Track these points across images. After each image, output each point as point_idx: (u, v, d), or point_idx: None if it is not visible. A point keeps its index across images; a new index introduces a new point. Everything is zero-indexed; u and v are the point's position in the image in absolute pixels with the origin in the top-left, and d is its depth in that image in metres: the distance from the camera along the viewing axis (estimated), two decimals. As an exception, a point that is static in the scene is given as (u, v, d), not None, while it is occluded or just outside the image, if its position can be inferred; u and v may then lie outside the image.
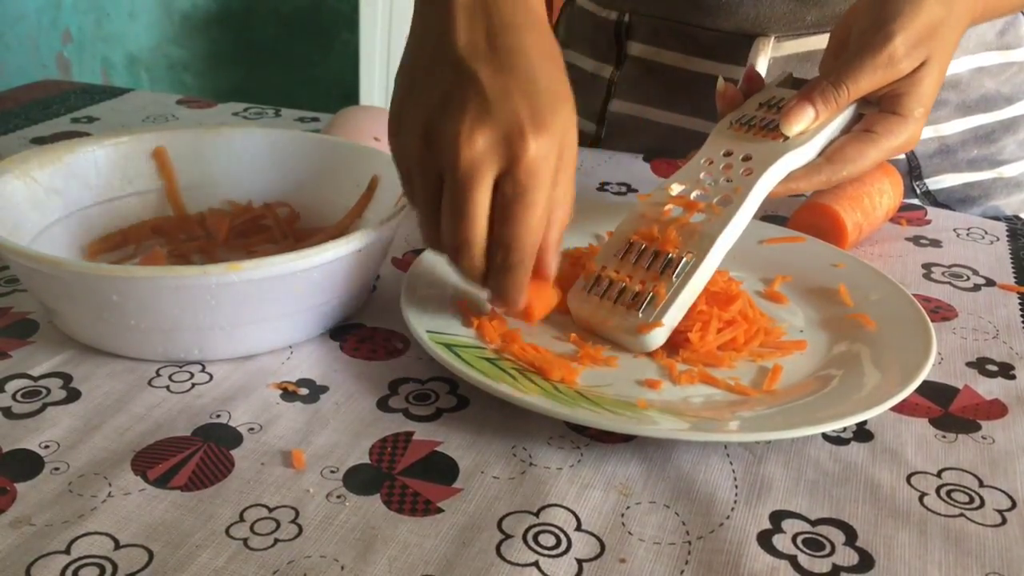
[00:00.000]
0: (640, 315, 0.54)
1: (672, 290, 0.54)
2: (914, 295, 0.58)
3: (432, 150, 0.48)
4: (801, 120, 0.59)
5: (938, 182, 0.85)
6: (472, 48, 0.48)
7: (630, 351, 0.54)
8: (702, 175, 0.59)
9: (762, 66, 0.80)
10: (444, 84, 0.48)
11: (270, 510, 0.42)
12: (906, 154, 0.83)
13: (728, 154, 0.60)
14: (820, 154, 0.61)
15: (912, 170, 0.84)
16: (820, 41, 0.79)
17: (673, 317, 0.54)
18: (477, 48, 0.48)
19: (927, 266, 0.68)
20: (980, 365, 0.56)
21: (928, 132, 0.83)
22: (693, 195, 0.58)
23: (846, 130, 0.62)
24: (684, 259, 0.54)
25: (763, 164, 0.58)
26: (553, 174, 0.48)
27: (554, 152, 0.48)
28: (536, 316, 0.55)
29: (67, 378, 0.51)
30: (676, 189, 0.59)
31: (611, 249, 0.58)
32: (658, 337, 0.53)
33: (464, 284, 0.58)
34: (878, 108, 0.61)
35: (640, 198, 0.60)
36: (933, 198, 0.85)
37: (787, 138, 0.59)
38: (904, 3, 0.59)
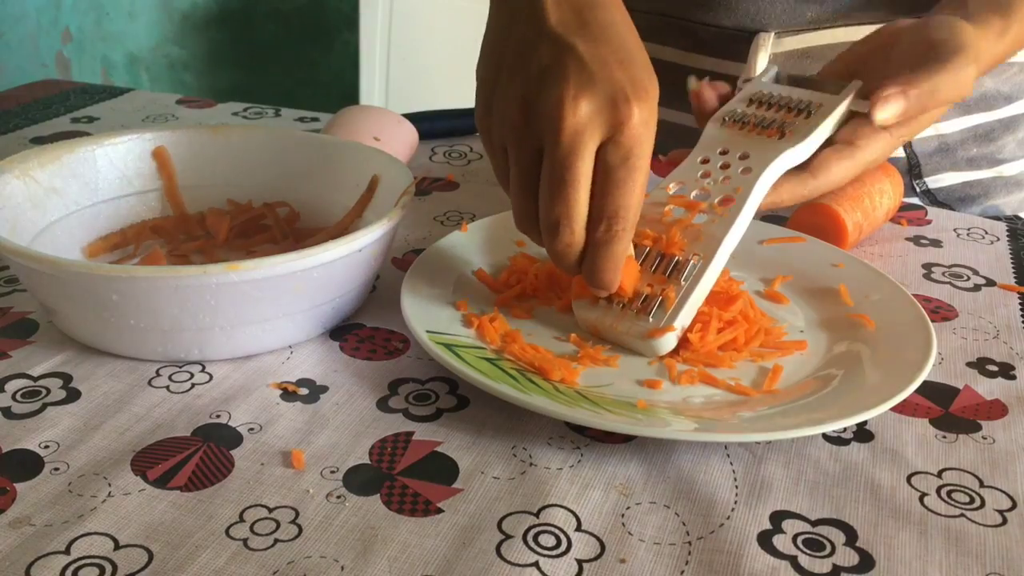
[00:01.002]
0: (651, 319, 0.53)
1: (681, 293, 0.53)
2: (914, 295, 0.58)
3: (532, 122, 0.49)
4: (893, 110, 0.58)
5: (938, 181, 0.85)
6: (565, 24, 0.49)
7: (641, 356, 0.54)
8: (699, 174, 0.59)
9: (762, 62, 0.80)
10: (542, 59, 0.49)
11: (270, 510, 0.42)
12: (906, 152, 0.83)
13: (724, 152, 0.60)
14: (805, 167, 0.60)
15: (911, 168, 0.84)
16: (819, 37, 0.79)
17: (684, 320, 0.53)
18: (569, 24, 0.49)
19: (927, 266, 0.68)
20: (980, 365, 0.56)
21: (928, 131, 0.83)
22: (692, 195, 0.58)
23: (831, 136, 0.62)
24: (692, 261, 0.54)
25: (762, 163, 0.58)
26: (652, 142, 0.49)
27: (654, 119, 0.49)
28: (627, 292, 0.54)
29: (67, 378, 0.51)
30: (675, 188, 0.59)
31: None
32: (669, 341, 0.53)
33: (466, 282, 0.58)
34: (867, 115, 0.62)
35: None
36: (933, 197, 0.85)
37: (783, 135, 0.59)
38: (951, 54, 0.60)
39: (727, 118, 0.62)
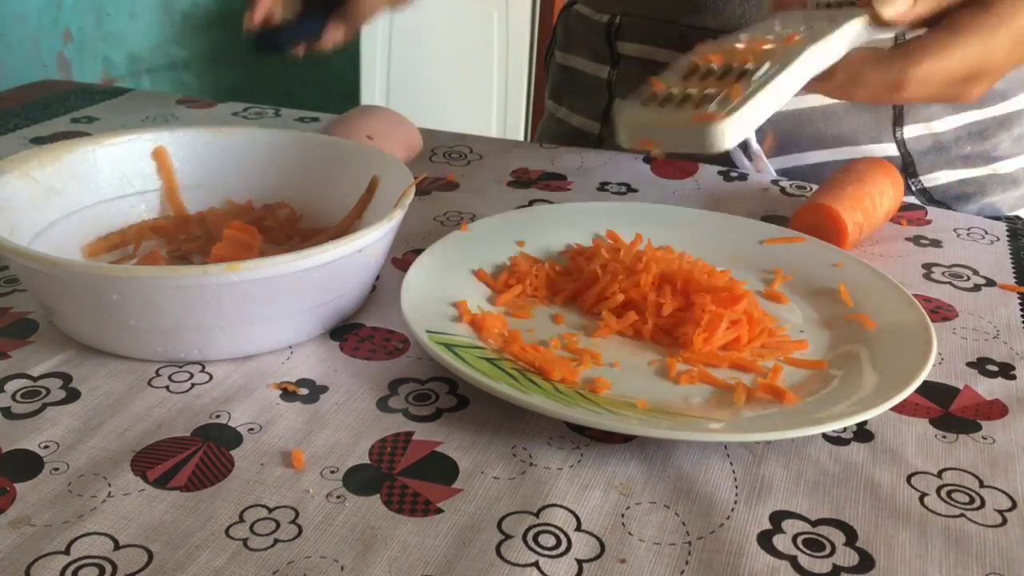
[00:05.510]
0: (713, 106, 0.44)
1: (750, 89, 0.45)
2: (914, 295, 0.58)
3: None
4: (898, 3, 0.53)
5: (933, 179, 0.85)
6: None
7: (695, 151, 0.45)
8: (766, 34, 0.52)
9: None
10: None
11: (270, 510, 0.42)
12: (900, 151, 0.83)
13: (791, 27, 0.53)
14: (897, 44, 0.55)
15: (906, 167, 0.84)
16: None
17: (748, 115, 0.44)
18: None
19: (927, 266, 0.68)
20: (980, 365, 0.56)
21: (921, 129, 0.83)
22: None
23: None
24: (765, 67, 0.47)
25: (850, 14, 0.51)
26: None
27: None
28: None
29: (67, 378, 0.51)
30: (745, 36, 0.52)
31: (672, 72, 0.50)
32: (731, 129, 0.44)
33: (466, 282, 0.58)
34: None
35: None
36: (929, 195, 0.85)
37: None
38: None
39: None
